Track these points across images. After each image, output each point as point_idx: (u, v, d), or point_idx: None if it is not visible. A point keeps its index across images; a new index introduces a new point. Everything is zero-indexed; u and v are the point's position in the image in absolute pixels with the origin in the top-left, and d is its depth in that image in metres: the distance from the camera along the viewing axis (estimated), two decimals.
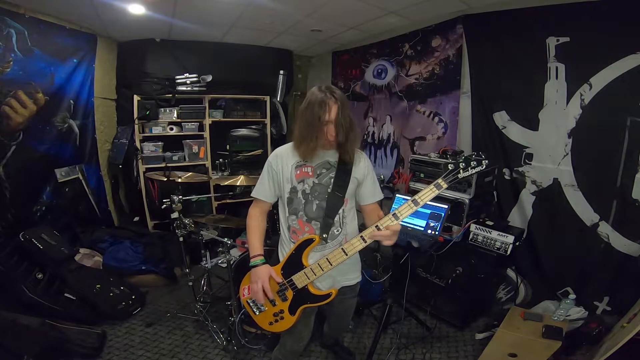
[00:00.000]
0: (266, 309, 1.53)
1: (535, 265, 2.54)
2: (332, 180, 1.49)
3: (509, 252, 2.24)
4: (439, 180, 1.31)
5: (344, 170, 1.50)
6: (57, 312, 2.33)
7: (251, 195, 1.60)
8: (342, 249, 1.41)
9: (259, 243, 1.54)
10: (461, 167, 1.25)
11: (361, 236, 1.38)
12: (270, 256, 1.65)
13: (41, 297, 2.32)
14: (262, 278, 1.45)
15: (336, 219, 1.50)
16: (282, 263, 1.51)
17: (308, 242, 1.47)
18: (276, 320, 1.53)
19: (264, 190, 1.56)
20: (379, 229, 1.35)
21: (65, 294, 2.46)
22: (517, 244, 2.27)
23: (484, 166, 1.24)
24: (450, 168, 1.25)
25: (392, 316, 2.42)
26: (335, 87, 1.48)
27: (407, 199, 2.55)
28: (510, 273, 2.60)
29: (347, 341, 2.39)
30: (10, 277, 2.29)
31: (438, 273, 2.44)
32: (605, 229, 2.21)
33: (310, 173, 1.50)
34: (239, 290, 1.62)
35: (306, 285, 1.47)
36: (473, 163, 1.25)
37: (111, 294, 2.61)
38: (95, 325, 2.38)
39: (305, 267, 1.46)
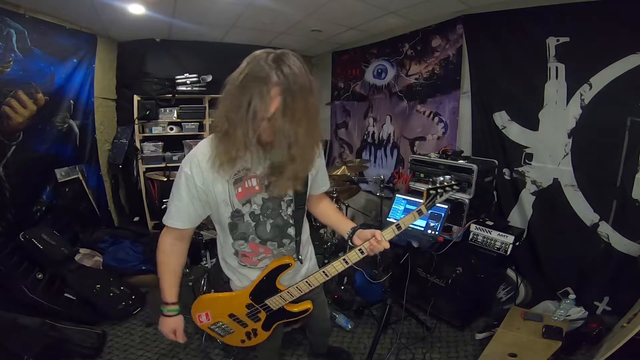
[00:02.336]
0: (234, 331, 1.42)
1: (535, 265, 2.54)
2: (288, 190, 1.20)
3: (509, 252, 2.23)
4: (422, 207, 1.26)
5: None
6: (57, 312, 2.33)
7: (162, 221, 1.20)
8: (323, 271, 1.26)
9: (170, 286, 1.23)
10: (439, 192, 1.27)
11: (344, 259, 1.24)
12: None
13: (41, 297, 2.32)
14: (167, 333, 1.27)
15: (304, 228, 1.33)
16: (251, 288, 1.31)
17: (282, 268, 1.28)
18: (249, 338, 1.42)
19: (180, 215, 1.16)
20: (362, 253, 1.22)
21: (65, 294, 2.45)
22: (517, 244, 2.27)
23: (454, 190, 1.29)
24: (431, 194, 1.26)
25: (392, 316, 2.42)
26: (293, 57, 0.98)
27: (407, 199, 2.57)
28: (510, 273, 2.60)
29: (347, 341, 2.39)
30: (10, 277, 2.28)
31: (438, 273, 2.43)
32: (605, 229, 2.21)
33: (257, 187, 1.16)
34: (194, 317, 1.41)
35: (282, 306, 1.35)
36: (448, 189, 1.27)
37: (111, 294, 2.60)
38: (95, 325, 2.37)
39: (281, 291, 1.30)
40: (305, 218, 1.33)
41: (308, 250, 1.44)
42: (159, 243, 1.22)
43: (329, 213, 1.44)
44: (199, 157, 1.10)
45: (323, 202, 1.44)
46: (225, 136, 0.99)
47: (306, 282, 1.29)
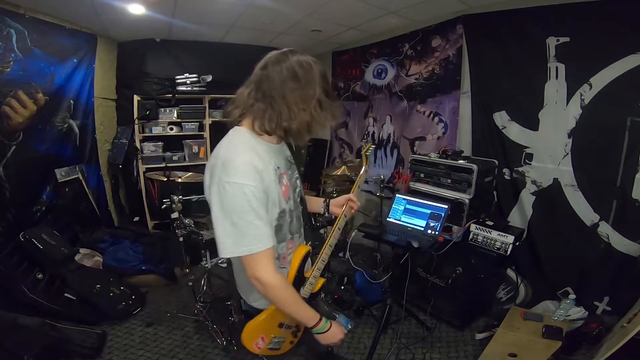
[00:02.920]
0: (285, 337, 1.43)
1: (535, 265, 2.55)
2: (298, 180, 1.28)
3: (509, 252, 2.23)
4: (366, 168, 1.53)
5: (295, 159, 1.31)
6: (57, 312, 2.33)
7: (248, 252, 1.02)
8: (329, 245, 1.32)
9: (308, 309, 1.20)
10: (369, 153, 1.59)
11: (337, 227, 1.36)
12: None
13: (41, 297, 2.32)
14: (342, 335, 1.25)
15: None
16: None
17: (307, 257, 1.31)
18: (295, 336, 1.43)
19: (267, 232, 1.05)
20: (346, 216, 1.38)
21: (65, 294, 2.46)
22: (517, 244, 2.27)
23: (374, 147, 1.74)
24: (367, 156, 1.58)
25: (392, 316, 2.42)
26: None
27: (407, 199, 2.57)
28: (510, 273, 2.60)
29: (347, 341, 2.39)
30: (10, 277, 2.29)
31: (438, 273, 2.43)
32: (605, 229, 2.21)
33: (288, 183, 1.19)
34: (250, 347, 1.31)
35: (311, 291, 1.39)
36: (371, 148, 1.61)
37: (111, 294, 2.61)
38: (95, 325, 2.38)
39: (308, 278, 1.32)
40: None
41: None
42: (270, 284, 1.06)
43: None
44: (254, 162, 1.01)
45: None
46: (312, 129, 1.08)
47: (321, 260, 1.32)
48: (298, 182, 1.28)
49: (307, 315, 1.18)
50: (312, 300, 1.41)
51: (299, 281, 1.30)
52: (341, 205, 1.40)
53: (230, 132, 1.11)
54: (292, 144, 1.29)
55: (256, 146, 1.08)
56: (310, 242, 1.37)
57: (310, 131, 1.09)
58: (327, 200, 1.47)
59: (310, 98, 1.02)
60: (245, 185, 0.98)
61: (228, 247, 1.03)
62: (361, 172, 1.54)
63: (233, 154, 1.02)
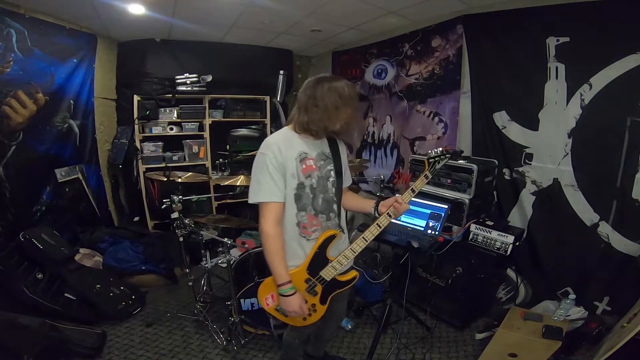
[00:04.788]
0: None
1: (535, 265, 2.55)
2: (332, 172, 1.53)
3: (509, 252, 2.23)
4: (427, 173, 1.58)
5: (337, 159, 1.56)
6: (57, 312, 2.33)
7: (257, 201, 1.40)
8: (362, 237, 1.49)
9: (284, 267, 1.43)
10: (436, 160, 1.59)
11: (377, 223, 1.50)
12: None
13: (41, 297, 2.32)
14: (297, 309, 1.43)
15: (340, 207, 1.58)
16: (307, 262, 1.50)
17: (330, 239, 1.50)
18: (309, 315, 1.55)
19: (274, 190, 1.39)
20: (390, 216, 1.50)
21: (65, 294, 2.46)
22: (517, 244, 2.27)
23: (447, 158, 1.63)
24: (430, 162, 1.59)
25: (392, 316, 2.42)
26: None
27: None
28: (510, 273, 2.60)
29: (347, 341, 2.39)
30: (10, 277, 2.29)
31: (438, 273, 2.43)
32: (605, 229, 2.21)
33: (314, 166, 1.48)
34: (261, 301, 1.55)
35: (334, 276, 1.52)
36: (442, 157, 1.60)
37: (111, 294, 2.61)
38: (95, 325, 2.38)
39: (331, 261, 1.50)
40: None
41: (345, 225, 1.66)
42: (267, 232, 1.39)
43: (353, 198, 1.73)
44: (274, 141, 1.42)
45: (347, 193, 1.70)
46: (341, 122, 1.43)
47: (350, 249, 1.50)
48: (332, 173, 1.53)
49: (279, 271, 1.41)
50: (335, 286, 1.56)
51: (320, 258, 1.50)
52: (389, 206, 1.53)
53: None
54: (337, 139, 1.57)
55: (291, 137, 1.46)
56: (343, 231, 1.56)
57: (345, 130, 1.47)
58: (378, 200, 1.64)
59: (322, 110, 1.40)
60: (266, 154, 1.39)
61: (251, 196, 1.41)
62: (421, 177, 1.59)
63: (269, 138, 1.45)
